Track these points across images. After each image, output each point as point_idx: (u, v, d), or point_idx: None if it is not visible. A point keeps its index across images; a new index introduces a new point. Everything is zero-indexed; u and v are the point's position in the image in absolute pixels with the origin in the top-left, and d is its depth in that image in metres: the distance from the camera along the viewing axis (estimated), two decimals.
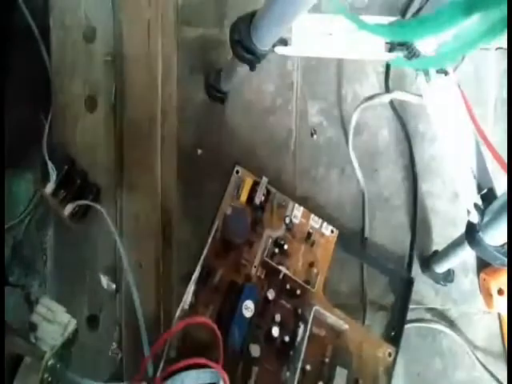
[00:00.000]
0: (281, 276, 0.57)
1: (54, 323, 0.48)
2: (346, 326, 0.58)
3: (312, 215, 0.61)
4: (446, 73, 0.51)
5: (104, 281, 0.60)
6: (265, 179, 0.57)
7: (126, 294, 0.59)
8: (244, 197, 0.57)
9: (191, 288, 0.51)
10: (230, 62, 0.56)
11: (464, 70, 0.66)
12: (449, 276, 0.67)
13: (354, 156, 0.68)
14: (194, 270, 0.52)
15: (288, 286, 0.57)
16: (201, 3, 0.68)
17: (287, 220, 0.58)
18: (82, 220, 0.59)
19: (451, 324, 0.68)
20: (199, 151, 0.67)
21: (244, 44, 0.47)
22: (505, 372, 0.67)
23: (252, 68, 0.50)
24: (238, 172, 0.58)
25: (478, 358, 0.67)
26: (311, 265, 0.60)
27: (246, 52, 0.47)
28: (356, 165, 0.68)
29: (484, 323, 0.69)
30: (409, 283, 0.66)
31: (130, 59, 0.62)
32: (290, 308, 0.56)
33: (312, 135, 0.69)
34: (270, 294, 0.55)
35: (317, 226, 0.61)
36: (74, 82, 0.61)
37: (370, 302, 0.67)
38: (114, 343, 0.60)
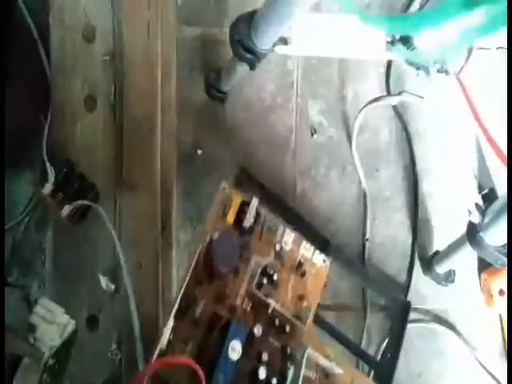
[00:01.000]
0: (269, 310, 0.51)
1: (53, 324, 0.47)
2: (339, 370, 0.53)
3: (304, 242, 0.56)
4: (446, 72, 0.51)
5: (103, 281, 0.60)
6: (255, 200, 0.52)
7: (126, 295, 0.59)
8: (231, 218, 0.51)
9: (170, 324, 0.45)
10: (230, 62, 0.56)
11: (466, 69, 0.66)
12: (450, 276, 0.67)
13: (356, 156, 0.68)
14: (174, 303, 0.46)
15: (277, 322, 0.51)
16: (200, 3, 0.68)
17: (277, 246, 0.53)
18: (81, 221, 0.59)
19: (452, 324, 0.68)
20: (199, 151, 0.67)
21: (244, 43, 0.46)
22: (505, 372, 0.67)
23: (252, 67, 0.50)
24: (224, 189, 0.52)
25: (478, 359, 0.67)
26: (301, 298, 0.54)
27: (246, 51, 0.47)
28: (358, 164, 0.68)
29: (485, 324, 0.68)
30: (406, 309, 0.65)
31: (130, 59, 0.62)
32: (278, 346, 0.51)
33: (312, 134, 0.69)
34: (257, 330, 0.49)
35: (308, 255, 0.56)
36: (74, 81, 0.61)
37: (370, 303, 0.67)
38: (113, 344, 0.59)
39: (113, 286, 0.60)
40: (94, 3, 0.62)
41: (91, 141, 0.61)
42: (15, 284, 0.61)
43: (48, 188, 0.54)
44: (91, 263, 0.60)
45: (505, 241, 0.49)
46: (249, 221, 0.51)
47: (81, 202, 0.57)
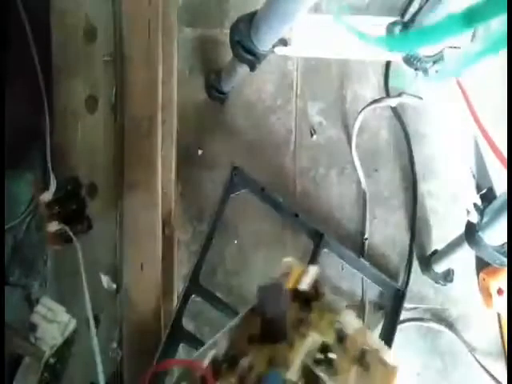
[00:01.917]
0: None
1: (54, 323, 0.48)
2: None
3: (369, 332, 0.47)
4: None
5: (104, 281, 0.60)
6: (313, 267, 0.47)
7: (127, 294, 0.59)
8: (290, 285, 0.46)
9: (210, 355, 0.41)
10: (230, 63, 0.56)
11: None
12: (448, 276, 0.67)
13: (355, 156, 0.68)
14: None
15: None
16: (201, 3, 0.68)
17: (337, 325, 0.46)
18: (64, 244, 0.54)
19: (450, 324, 0.68)
20: (199, 151, 0.67)
21: (244, 44, 0.47)
22: (504, 372, 0.67)
23: (252, 68, 0.50)
24: (287, 262, 0.48)
25: (476, 358, 0.67)
26: None
27: (246, 53, 0.47)
28: (357, 165, 0.68)
29: (483, 323, 0.69)
30: (400, 296, 0.65)
31: (131, 59, 0.62)
32: None
33: (312, 135, 0.69)
34: None
35: (375, 347, 0.46)
36: (75, 82, 0.61)
37: (369, 301, 0.67)
38: (114, 343, 0.59)
39: (114, 286, 0.60)
40: (95, 4, 0.62)
41: (92, 141, 0.61)
42: (16, 283, 0.61)
43: (47, 196, 0.52)
44: (92, 263, 0.60)
45: (503, 240, 0.49)
46: (305, 283, 0.46)
47: (68, 229, 0.53)
